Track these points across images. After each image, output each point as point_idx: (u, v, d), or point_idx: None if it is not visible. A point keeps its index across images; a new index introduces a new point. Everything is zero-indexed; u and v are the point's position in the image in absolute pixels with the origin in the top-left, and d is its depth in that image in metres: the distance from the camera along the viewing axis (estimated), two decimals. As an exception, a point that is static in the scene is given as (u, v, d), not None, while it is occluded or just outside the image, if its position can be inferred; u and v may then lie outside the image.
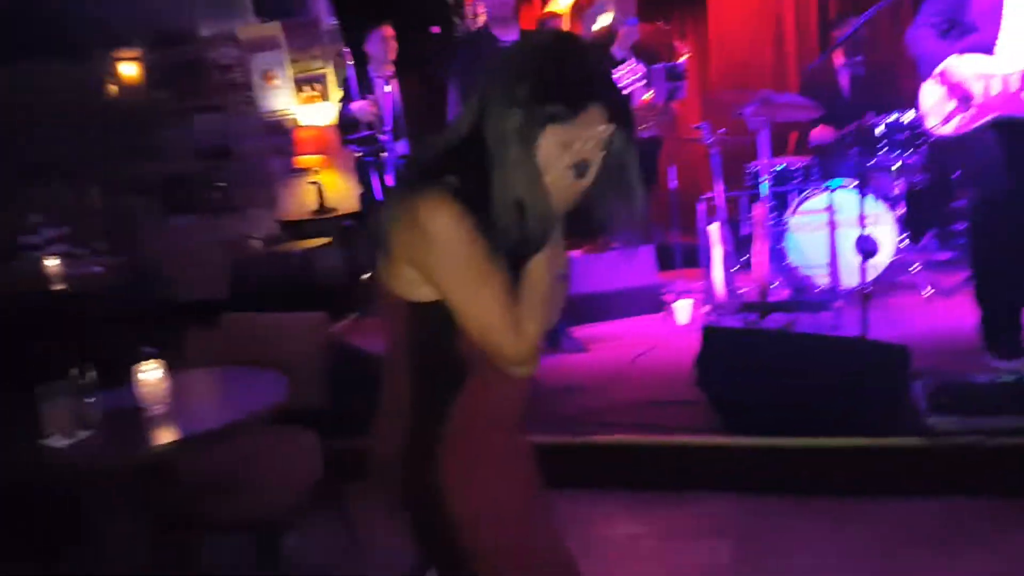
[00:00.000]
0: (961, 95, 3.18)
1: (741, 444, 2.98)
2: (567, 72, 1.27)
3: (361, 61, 5.20)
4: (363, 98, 5.14)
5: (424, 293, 1.29)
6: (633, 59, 4.27)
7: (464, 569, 1.42)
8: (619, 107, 1.30)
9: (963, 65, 3.14)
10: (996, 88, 3.10)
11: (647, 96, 4.82)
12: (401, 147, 5.32)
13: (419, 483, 1.38)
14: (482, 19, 5.36)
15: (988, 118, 3.14)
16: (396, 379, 1.41)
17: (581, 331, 4.38)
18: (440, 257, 1.23)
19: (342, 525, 2.71)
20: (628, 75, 4.12)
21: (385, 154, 5.12)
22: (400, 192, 1.30)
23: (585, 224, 1.44)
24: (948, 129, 3.26)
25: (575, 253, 5.66)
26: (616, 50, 4.84)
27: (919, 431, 2.79)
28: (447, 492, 1.36)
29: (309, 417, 2.67)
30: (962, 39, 3.19)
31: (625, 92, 3.97)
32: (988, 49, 3.13)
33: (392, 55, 5.24)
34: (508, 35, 3.97)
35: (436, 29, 4.74)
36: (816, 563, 2.49)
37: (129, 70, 6.32)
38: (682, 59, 4.77)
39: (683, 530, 2.78)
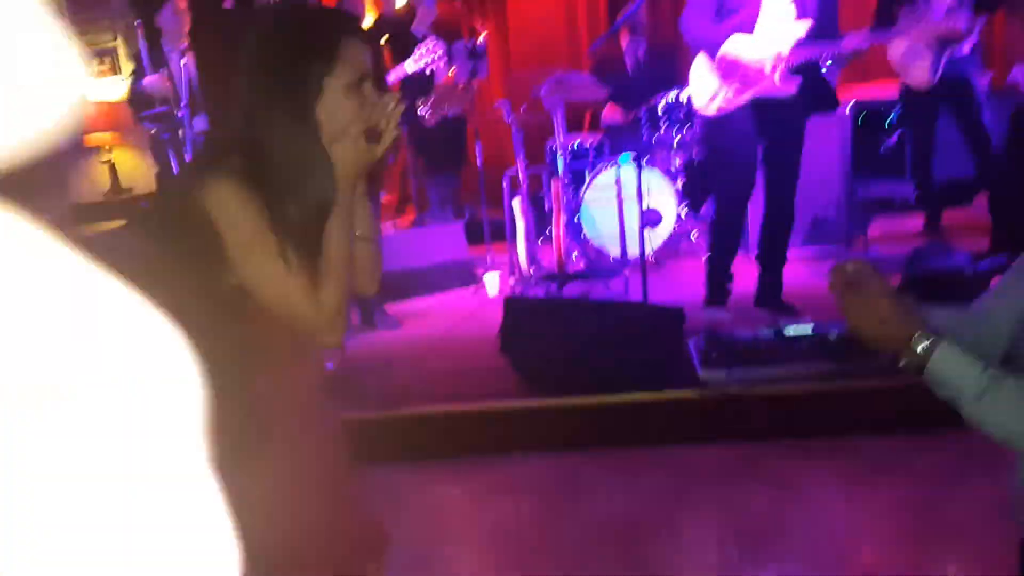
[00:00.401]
0: (724, 77, 3.53)
1: (540, 405, 3.23)
2: (304, 26, 1.33)
3: (154, 35, 4.98)
4: (157, 73, 4.94)
5: (219, 280, 1.31)
6: (433, 37, 4.39)
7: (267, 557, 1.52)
8: (368, 35, 1.38)
9: (726, 48, 3.48)
10: (755, 70, 3.48)
11: (449, 74, 4.95)
12: (199, 123, 5.15)
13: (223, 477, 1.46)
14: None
15: (746, 96, 3.52)
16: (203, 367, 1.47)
17: (395, 307, 4.49)
18: (229, 240, 1.26)
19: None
20: (428, 53, 4.23)
21: (182, 131, 4.95)
22: (187, 178, 1.34)
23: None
24: (712, 109, 3.62)
25: (387, 229, 5.75)
26: (416, 28, 4.94)
27: (694, 384, 3.15)
28: (247, 480, 1.45)
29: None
30: (727, 20, 3.53)
31: (427, 70, 4.09)
32: (750, 28, 3.48)
33: (186, 28, 5.05)
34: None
35: (229, 3, 4.62)
36: (611, 508, 2.78)
37: None
38: (481, 38, 4.93)
39: (494, 488, 3.00)
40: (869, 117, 5.21)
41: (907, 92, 4.68)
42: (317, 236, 1.33)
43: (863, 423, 3.00)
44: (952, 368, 1.22)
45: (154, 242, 1.40)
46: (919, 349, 1.22)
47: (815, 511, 2.65)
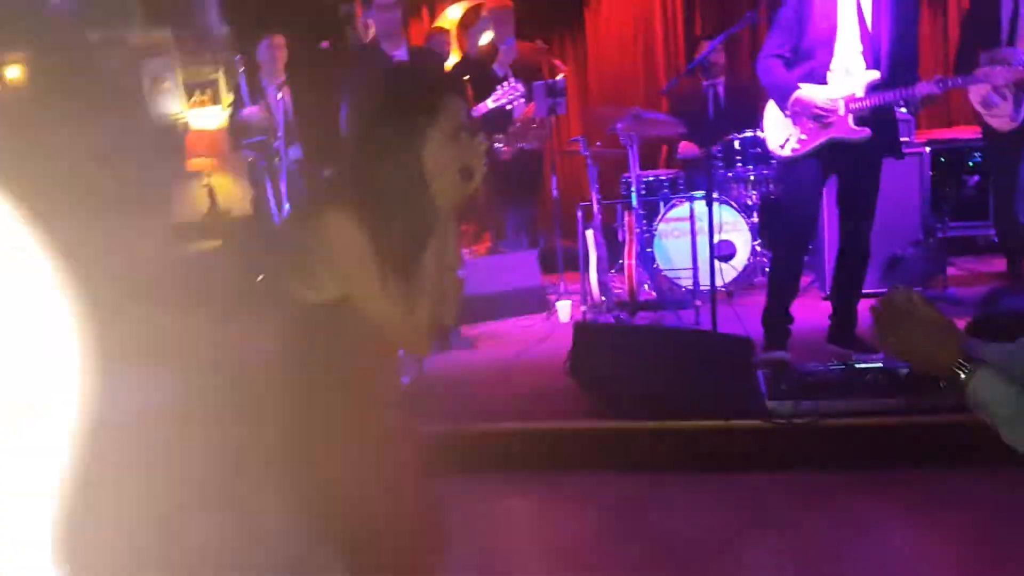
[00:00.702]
0: (796, 121, 3.61)
1: (607, 427, 3.31)
2: (412, 84, 1.58)
3: (253, 69, 5.32)
4: (255, 104, 5.27)
5: (323, 296, 1.53)
6: (513, 78, 4.57)
7: (345, 537, 1.66)
8: (464, 93, 1.64)
9: (815, 93, 3.57)
10: (825, 114, 3.55)
11: (528, 110, 5.13)
12: (293, 152, 5.46)
13: (313, 462, 1.62)
14: (372, 33, 5.58)
15: (821, 141, 3.60)
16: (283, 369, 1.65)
17: (470, 330, 4.65)
18: (342, 263, 1.49)
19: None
20: (508, 92, 4.41)
21: (277, 159, 5.26)
22: (311, 208, 1.56)
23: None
24: (786, 152, 3.69)
25: (464, 255, 5.94)
26: (497, 68, 5.15)
27: (761, 414, 3.18)
28: (336, 468, 1.60)
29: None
30: (799, 67, 3.62)
31: (507, 107, 4.27)
32: (822, 76, 3.58)
33: (282, 64, 5.38)
34: (396, 50, 4.20)
35: (327, 44, 4.95)
36: (671, 530, 2.83)
37: (13, 73, 6.19)
38: (560, 76, 5.11)
39: (556, 504, 3.09)
40: (951, 159, 5.18)
41: (989, 134, 4.65)
42: (415, 261, 1.56)
43: (930, 457, 2.99)
44: (989, 391, 1.29)
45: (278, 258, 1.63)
46: (961, 373, 1.30)
47: (877, 542, 2.65)
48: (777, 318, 3.79)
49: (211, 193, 6.08)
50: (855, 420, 3.08)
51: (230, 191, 6.12)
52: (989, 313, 3.41)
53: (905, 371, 3.14)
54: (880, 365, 3.23)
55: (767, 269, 5.01)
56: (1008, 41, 4.43)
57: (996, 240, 5.00)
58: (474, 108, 4.58)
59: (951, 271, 4.74)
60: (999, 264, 4.92)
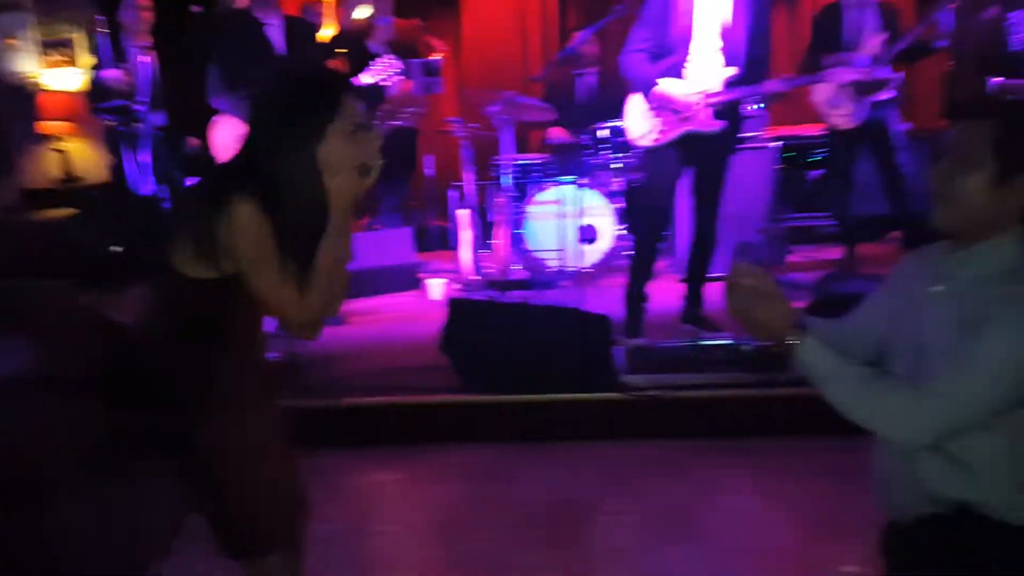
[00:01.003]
0: (657, 112, 3.83)
1: (474, 401, 3.44)
2: (313, 86, 1.64)
3: (115, 30, 5.09)
4: (116, 67, 5.05)
5: (204, 272, 1.58)
6: (389, 55, 4.59)
7: (221, 504, 1.71)
8: (359, 91, 1.71)
9: (674, 87, 3.79)
10: (685, 107, 3.78)
11: (404, 87, 5.17)
12: (156, 118, 5.27)
13: (191, 435, 1.67)
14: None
15: (678, 133, 3.83)
16: (167, 346, 1.67)
17: (341, 305, 4.65)
18: (240, 248, 1.55)
19: (112, 495, 2.81)
20: (385, 68, 4.42)
21: (138, 125, 5.07)
22: (213, 191, 1.59)
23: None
24: (646, 142, 3.91)
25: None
26: (372, 44, 5.15)
27: (618, 387, 3.39)
28: (215, 438, 1.67)
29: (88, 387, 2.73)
30: (661, 62, 3.84)
31: (383, 83, 4.30)
32: (679, 71, 3.80)
33: (146, 26, 5.18)
34: (270, 17, 4.14)
35: (197, 8, 4.79)
36: (536, 495, 2.99)
37: None
38: (438, 56, 5.16)
39: (424, 476, 3.19)
40: (796, 154, 5.59)
41: (831, 133, 5.06)
42: (310, 252, 1.63)
43: (770, 426, 3.29)
44: (815, 357, 1.50)
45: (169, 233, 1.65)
46: (791, 341, 1.51)
47: (720, 503, 2.90)
48: (635, 298, 4.03)
49: (65, 158, 5.77)
50: (703, 393, 3.33)
51: (86, 157, 5.82)
52: (823, 296, 3.75)
53: (749, 348, 3.42)
54: (727, 343, 3.50)
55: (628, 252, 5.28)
56: (851, 47, 4.84)
57: (833, 231, 5.47)
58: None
59: (792, 258, 5.15)
60: (835, 253, 5.38)
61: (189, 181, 5.04)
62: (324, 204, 1.63)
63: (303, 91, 1.63)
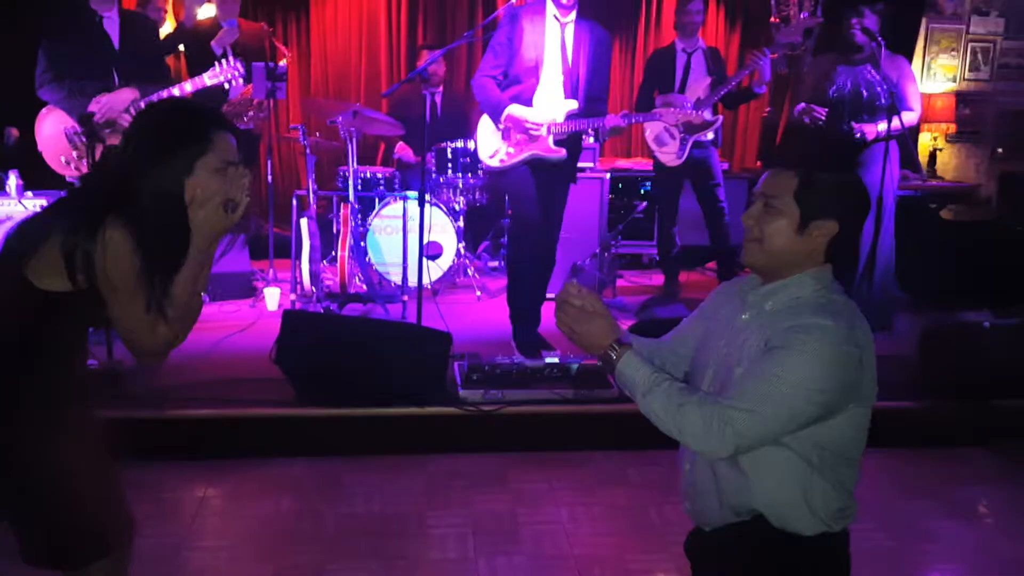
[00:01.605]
0: (505, 136, 3.99)
1: (308, 414, 3.43)
2: (186, 120, 1.65)
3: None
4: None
5: (54, 284, 1.55)
6: (231, 56, 4.48)
7: (41, 519, 1.67)
8: (236, 130, 1.72)
9: (511, 110, 3.95)
10: (531, 133, 3.95)
11: (246, 90, 5.05)
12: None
13: (14, 443, 1.62)
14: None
15: (525, 155, 4.00)
16: None
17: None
18: (108, 272, 1.54)
19: None
20: (227, 70, 4.32)
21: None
22: (87, 210, 1.57)
23: None
24: (494, 163, 4.06)
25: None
26: (215, 45, 5.02)
27: (454, 401, 3.48)
28: (36, 453, 1.63)
29: None
30: (508, 89, 4.01)
31: (224, 85, 4.19)
32: (528, 100, 3.98)
33: None
34: (107, 10, 3.97)
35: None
36: (367, 507, 3.02)
37: None
38: (282, 61, 5.08)
39: (251, 490, 3.14)
40: (626, 185, 5.93)
41: (658, 167, 5.41)
42: (167, 280, 1.63)
43: (593, 440, 3.48)
44: (631, 370, 1.64)
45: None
46: (612, 355, 1.64)
47: (545, 512, 3.04)
48: (525, 308, 4.13)
49: None
50: (533, 408, 3.48)
51: None
52: (645, 318, 4.02)
53: (576, 367, 3.61)
54: (556, 361, 3.67)
55: (468, 271, 5.40)
56: (680, 89, 5.21)
57: (657, 258, 5.83)
58: (190, 81, 4.42)
59: (620, 282, 5.46)
60: (658, 279, 5.74)
61: (10, 172, 4.69)
62: (186, 236, 1.64)
63: (177, 123, 1.64)
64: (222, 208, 1.65)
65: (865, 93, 4.37)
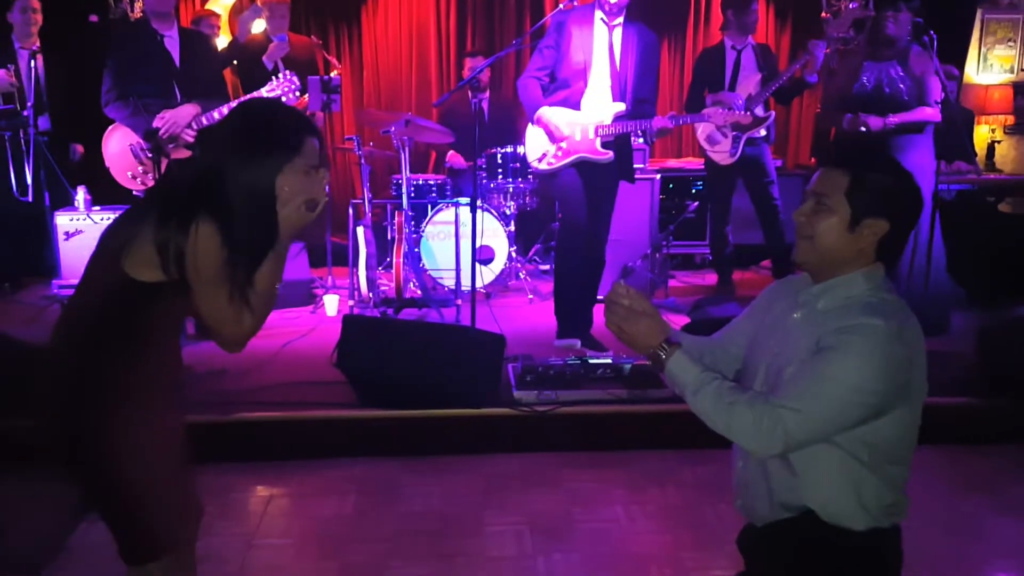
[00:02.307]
0: (552, 138, 4.04)
1: (369, 416, 3.52)
2: (279, 125, 1.73)
3: (4, 30, 4.94)
4: (3, 68, 4.91)
5: (148, 275, 1.66)
6: (286, 72, 4.63)
7: (119, 508, 1.77)
8: (321, 136, 1.82)
9: (555, 115, 4.01)
10: (578, 135, 4.01)
11: (300, 102, 5.19)
12: (43, 123, 5.13)
13: (88, 428, 1.71)
14: (138, 9, 5.37)
15: (572, 158, 4.05)
16: (76, 336, 1.72)
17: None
18: (198, 263, 1.64)
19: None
20: (282, 83, 4.46)
21: (24, 129, 4.93)
22: (180, 205, 1.67)
23: None
24: (543, 165, 4.12)
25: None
26: (266, 60, 5.17)
27: (509, 403, 3.54)
28: (110, 436, 1.72)
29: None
30: (556, 93, 4.07)
31: (281, 98, 4.33)
32: (576, 103, 4.03)
33: (36, 28, 5.05)
34: (168, 29, 4.13)
35: (94, 18, 4.70)
36: (425, 506, 3.10)
37: None
38: (336, 74, 5.22)
39: (314, 490, 3.24)
40: (677, 186, 5.93)
41: (710, 167, 5.41)
42: (251, 274, 1.73)
43: (646, 439, 3.51)
44: (681, 369, 1.68)
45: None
46: (661, 354, 1.68)
47: (599, 511, 3.09)
48: (572, 307, 4.22)
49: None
50: (586, 408, 3.53)
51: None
52: (698, 317, 4.02)
53: (628, 367, 3.65)
54: (609, 361, 3.71)
55: (519, 274, 5.46)
56: (730, 87, 5.20)
57: (710, 258, 5.82)
58: (245, 96, 4.58)
59: (672, 283, 5.47)
60: (711, 278, 5.73)
61: (79, 187, 4.91)
62: (272, 231, 1.74)
63: (272, 126, 1.73)
64: (303, 207, 1.74)
65: (887, 89, 4.33)
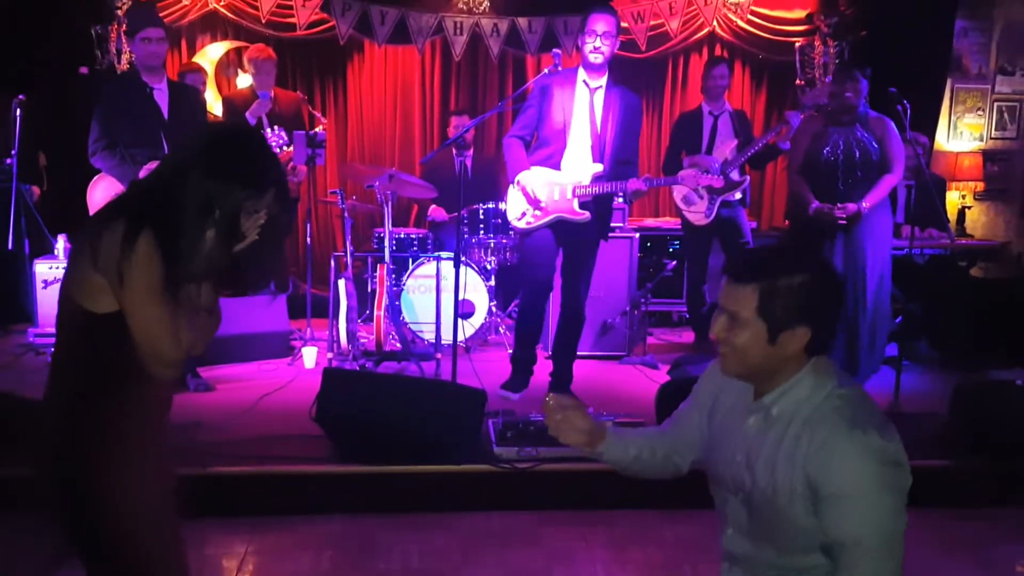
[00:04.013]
0: (531, 199, 4.12)
1: (347, 472, 3.48)
2: (256, 163, 1.74)
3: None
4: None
5: (105, 305, 1.63)
6: (269, 126, 4.69)
7: (106, 554, 1.73)
8: (285, 187, 1.81)
9: (533, 176, 4.09)
10: (557, 195, 4.08)
11: (282, 156, 5.25)
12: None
13: (78, 475, 1.68)
14: (125, 61, 5.43)
15: (550, 218, 4.11)
16: (62, 375, 1.71)
17: (209, 372, 4.59)
18: (131, 278, 1.60)
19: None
20: (271, 139, 4.52)
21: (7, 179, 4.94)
22: (118, 221, 1.63)
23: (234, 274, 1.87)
24: (522, 224, 4.18)
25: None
26: (249, 116, 5.23)
27: (489, 459, 3.53)
28: (101, 483, 1.69)
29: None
30: (538, 151, 4.15)
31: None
32: (557, 163, 4.11)
33: None
34: (157, 83, 4.18)
35: (85, 70, 4.76)
36: (404, 563, 3.06)
37: None
38: (320, 129, 5.29)
39: (291, 545, 3.18)
40: (655, 244, 6.02)
41: (687, 227, 5.51)
42: (187, 293, 1.71)
43: (627, 498, 3.49)
44: (614, 453, 1.87)
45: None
46: (598, 450, 1.87)
47: (580, 570, 3.06)
48: (522, 360, 4.32)
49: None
50: (566, 465, 3.52)
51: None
52: (678, 376, 4.05)
53: (609, 424, 3.64)
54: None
55: (499, 329, 5.49)
56: (707, 150, 5.33)
57: (687, 316, 5.89)
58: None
59: (650, 340, 5.51)
60: (688, 336, 5.79)
61: (58, 236, 4.90)
62: (220, 257, 1.73)
63: (253, 159, 1.73)
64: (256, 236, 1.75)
65: (857, 152, 4.46)
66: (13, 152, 4.85)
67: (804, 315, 1.58)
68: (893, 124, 4.47)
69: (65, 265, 4.56)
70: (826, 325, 1.63)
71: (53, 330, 1.80)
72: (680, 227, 5.67)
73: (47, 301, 4.82)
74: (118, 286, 1.60)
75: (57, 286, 4.73)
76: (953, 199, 6.82)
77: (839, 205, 4.41)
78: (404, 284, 5.21)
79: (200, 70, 5.72)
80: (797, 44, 6.59)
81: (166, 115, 4.18)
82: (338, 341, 4.88)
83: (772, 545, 1.67)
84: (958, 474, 3.67)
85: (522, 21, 6.42)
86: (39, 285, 4.85)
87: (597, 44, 4.00)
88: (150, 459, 1.77)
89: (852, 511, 1.52)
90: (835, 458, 1.53)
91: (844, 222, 4.42)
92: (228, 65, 6.39)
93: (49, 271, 4.86)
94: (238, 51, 6.30)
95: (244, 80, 6.00)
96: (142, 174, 3.99)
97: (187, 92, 4.46)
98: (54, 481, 1.69)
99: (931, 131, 6.40)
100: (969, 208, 6.83)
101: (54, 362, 1.79)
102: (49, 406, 1.73)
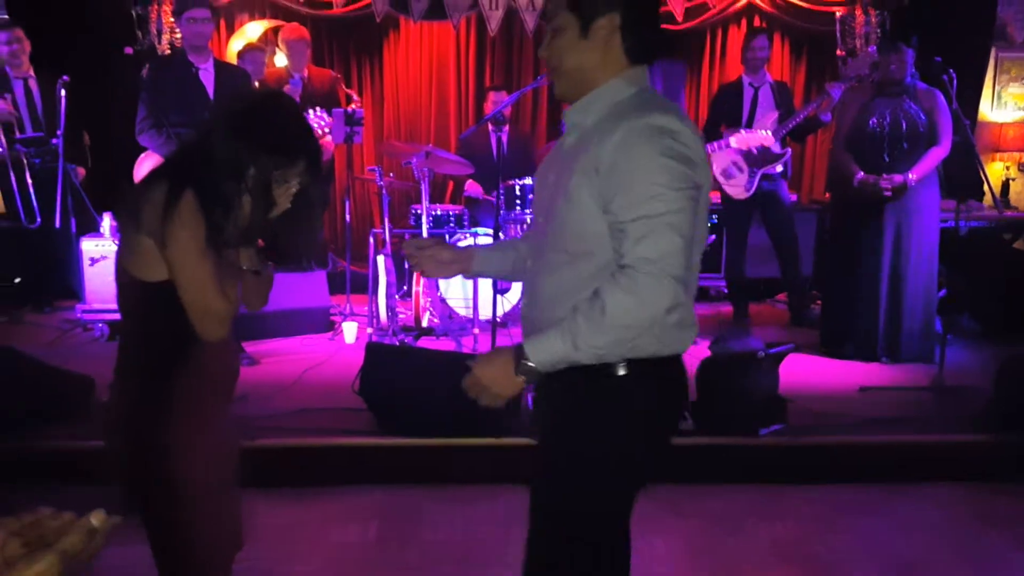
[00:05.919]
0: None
1: (390, 444, 3.54)
2: (285, 131, 1.73)
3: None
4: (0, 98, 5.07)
5: (157, 273, 1.65)
6: (313, 107, 4.71)
7: (170, 516, 1.77)
8: (317, 159, 1.81)
9: None
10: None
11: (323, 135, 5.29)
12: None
13: (144, 440, 1.72)
14: (166, 41, 5.50)
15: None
16: (127, 351, 1.76)
17: (253, 346, 4.68)
18: (175, 237, 1.61)
19: None
20: (315, 120, 4.55)
21: (50, 157, 5.04)
22: (160, 183, 1.65)
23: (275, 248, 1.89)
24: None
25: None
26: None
27: (529, 431, 3.56)
28: (168, 447, 1.72)
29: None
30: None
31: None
32: None
33: (25, 55, 5.20)
34: (203, 62, 4.23)
35: (129, 50, 4.83)
36: (448, 535, 3.11)
37: None
38: (358, 107, 5.32)
39: (336, 516, 3.25)
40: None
41: (726, 200, 5.46)
42: (225, 256, 1.72)
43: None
44: (545, 352, 1.57)
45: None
46: (523, 367, 1.60)
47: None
48: None
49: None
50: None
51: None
52: (719, 351, 4.04)
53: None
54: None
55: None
56: (747, 123, 5.27)
57: (725, 290, 5.86)
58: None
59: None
60: (726, 310, 5.76)
61: (104, 214, 5.00)
62: (262, 227, 1.75)
63: (291, 129, 1.73)
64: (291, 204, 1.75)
65: (904, 124, 4.39)
66: (59, 132, 4.95)
67: (611, 1, 1.59)
68: (943, 96, 4.39)
69: (113, 243, 4.67)
70: (635, 8, 1.62)
71: (100, 306, 1.84)
72: (720, 201, 5.62)
73: (94, 278, 4.92)
74: (163, 246, 1.62)
75: (104, 263, 4.88)
76: (996, 170, 6.68)
77: (884, 176, 4.35)
78: (442, 260, 5.23)
79: (260, 48, 5.78)
80: (837, 14, 6.47)
81: (211, 95, 4.22)
82: (377, 316, 4.94)
83: (565, 253, 1.64)
84: (1001, 449, 3.64)
85: (558, -6, 6.37)
86: (86, 262, 4.96)
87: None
88: (215, 427, 1.81)
89: (629, 181, 1.49)
90: (616, 135, 1.52)
91: (889, 194, 4.36)
92: (266, 44, 6.43)
93: (95, 248, 4.97)
94: (275, 30, 6.34)
95: (280, 60, 6.04)
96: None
97: (233, 72, 4.50)
98: (122, 451, 1.74)
99: (975, 101, 6.26)
100: (1013, 180, 6.69)
101: (120, 336, 1.84)
102: (116, 378, 1.78)
